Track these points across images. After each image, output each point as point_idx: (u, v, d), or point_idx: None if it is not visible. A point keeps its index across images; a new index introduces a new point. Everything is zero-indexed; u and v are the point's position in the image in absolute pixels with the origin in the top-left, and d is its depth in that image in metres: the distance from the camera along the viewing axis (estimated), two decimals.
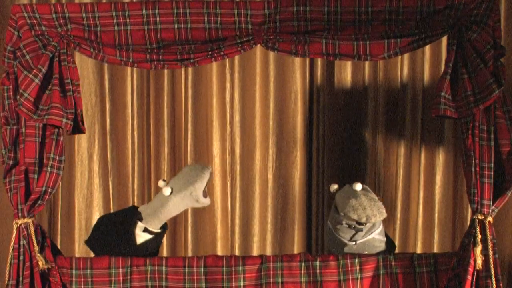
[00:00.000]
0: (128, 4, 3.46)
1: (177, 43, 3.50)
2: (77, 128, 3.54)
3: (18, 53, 3.46)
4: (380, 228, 3.71)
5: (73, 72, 3.52)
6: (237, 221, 4.77)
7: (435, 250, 4.61)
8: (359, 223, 3.61)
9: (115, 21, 3.47)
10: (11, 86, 3.49)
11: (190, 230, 4.74)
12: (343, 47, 3.45)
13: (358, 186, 3.68)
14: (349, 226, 3.65)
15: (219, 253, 4.72)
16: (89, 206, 4.76)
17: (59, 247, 4.46)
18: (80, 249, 4.73)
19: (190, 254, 4.72)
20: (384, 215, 3.61)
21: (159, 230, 3.74)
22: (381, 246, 3.70)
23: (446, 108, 3.41)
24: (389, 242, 3.81)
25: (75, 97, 3.50)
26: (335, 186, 3.79)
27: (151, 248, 3.73)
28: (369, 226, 3.65)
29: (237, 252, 4.75)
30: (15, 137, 3.51)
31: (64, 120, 3.47)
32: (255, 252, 4.73)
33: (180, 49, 3.49)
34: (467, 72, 3.41)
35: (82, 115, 3.54)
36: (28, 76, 3.43)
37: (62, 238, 4.70)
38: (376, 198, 3.65)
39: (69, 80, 3.49)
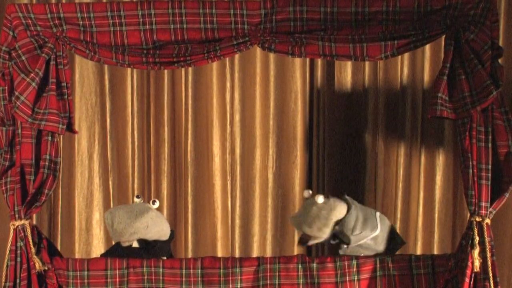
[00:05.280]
0: (123, 4, 3.44)
1: (173, 44, 3.49)
2: (69, 128, 3.55)
3: (13, 54, 3.44)
4: (375, 233, 3.68)
5: (67, 75, 3.51)
6: (237, 220, 4.76)
7: (435, 250, 4.59)
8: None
9: (110, 21, 3.45)
10: (6, 87, 3.48)
11: (190, 230, 4.73)
12: (339, 48, 3.43)
13: (319, 199, 3.67)
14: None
15: (219, 252, 4.71)
16: (89, 206, 4.74)
17: (59, 247, 4.46)
18: (80, 249, 4.72)
19: (190, 254, 4.71)
20: (319, 238, 3.66)
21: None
22: (372, 248, 3.69)
23: (443, 109, 3.39)
24: (396, 241, 3.78)
25: (69, 100, 3.50)
26: (307, 193, 3.81)
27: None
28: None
29: (237, 252, 4.74)
30: (11, 138, 3.50)
31: (60, 126, 3.48)
32: (255, 251, 4.72)
33: (176, 49, 3.48)
34: (464, 73, 3.39)
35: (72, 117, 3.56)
36: (25, 79, 3.42)
37: (62, 238, 4.68)
38: (327, 216, 3.64)
39: (65, 84, 3.49)
